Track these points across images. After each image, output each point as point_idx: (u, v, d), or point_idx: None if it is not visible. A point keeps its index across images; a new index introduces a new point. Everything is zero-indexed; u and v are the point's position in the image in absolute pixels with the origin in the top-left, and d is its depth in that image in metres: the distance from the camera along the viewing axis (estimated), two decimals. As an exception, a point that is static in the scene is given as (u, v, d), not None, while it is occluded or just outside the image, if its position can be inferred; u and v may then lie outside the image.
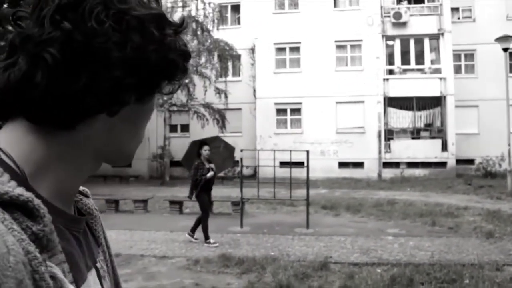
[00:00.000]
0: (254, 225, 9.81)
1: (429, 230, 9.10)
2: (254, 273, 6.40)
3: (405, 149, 19.87)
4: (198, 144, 8.50)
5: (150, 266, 6.88)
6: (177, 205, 11.59)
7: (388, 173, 19.75)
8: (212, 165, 8.27)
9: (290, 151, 9.98)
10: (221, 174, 16.76)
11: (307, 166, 9.48)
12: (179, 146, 23.29)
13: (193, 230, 8.41)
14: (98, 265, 0.73)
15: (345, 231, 9.07)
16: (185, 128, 23.71)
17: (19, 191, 0.54)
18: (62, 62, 0.56)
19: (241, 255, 7.18)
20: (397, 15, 19.74)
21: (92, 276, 0.69)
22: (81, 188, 0.79)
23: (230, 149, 9.77)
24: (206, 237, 8.12)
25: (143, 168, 23.22)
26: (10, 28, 0.60)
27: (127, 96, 0.61)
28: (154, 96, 0.68)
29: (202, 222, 8.26)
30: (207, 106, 20.49)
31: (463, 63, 21.55)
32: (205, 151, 8.17)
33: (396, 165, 19.92)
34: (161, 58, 0.62)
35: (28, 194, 0.55)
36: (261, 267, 6.54)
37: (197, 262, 6.92)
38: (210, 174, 8.13)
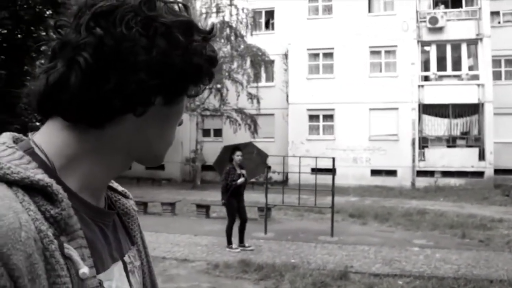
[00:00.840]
0: (278, 232, 9.78)
1: (458, 242, 8.80)
2: (272, 280, 6.38)
3: (440, 158, 19.29)
4: (230, 149, 8.41)
5: (171, 268, 6.97)
6: (203, 209, 11.71)
7: (422, 182, 19.22)
8: (243, 171, 8.14)
9: (316, 157, 9.96)
10: (252, 180, 16.71)
11: (333, 173, 9.39)
12: (211, 150, 23.51)
13: (241, 240, 8.22)
14: (126, 259, 0.76)
15: (370, 240, 8.90)
16: (218, 132, 23.93)
17: (40, 176, 0.59)
18: (93, 65, 0.61)
19: (261, 261, 7.17)
20: (433, 20, 19.24)
21: (117, 267, 0.72)
22: (120, 188, 0.85)
23: (263, 155, 9.67)
24: (229, 242, 8.11)
25: (175, 172, 23.62)
26: (54, 36, 0.66)
27: (152, 98, 0.65)
28: (181, 99, 0.71)
29: (226, 226, 8.24)
30: (239, 111, 20.63)
31: (503, 69, 20.72)
32: (237, 156, 8.06)
33: (430, 174, 19.35)
34: (186, 63, 0.65)
35: (48, 180, 0.59)
36: (279, 274, 6.51)
37: (217, 266, 6.97)
38: (241, 180, 8.01)
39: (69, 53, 0.63)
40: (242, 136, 20.60)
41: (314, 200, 15.09)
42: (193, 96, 0.73)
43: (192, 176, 21.85)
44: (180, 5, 0.70)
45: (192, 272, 6.83)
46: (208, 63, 0.69)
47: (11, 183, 0.57)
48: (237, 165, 8.06)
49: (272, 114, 23.06)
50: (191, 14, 0.71)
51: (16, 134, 0.69)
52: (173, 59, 0.64)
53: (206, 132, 23.98)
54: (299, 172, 9.81)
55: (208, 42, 0.70)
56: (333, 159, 9.37)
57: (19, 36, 12.28)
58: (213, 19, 20.69)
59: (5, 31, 11.71)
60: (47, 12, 13.40)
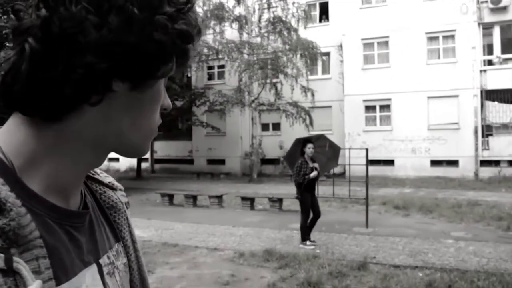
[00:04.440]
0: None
1: (500, 235, 8.40)
2: (291, 268, 6.60)
3: (507, 146, 18.12)
4: (302, 142, 8.08)
5: (200, 256, 7.43)
6: (248, 201, 12.11)
7: (486, 172, 18.20)
8: (316, 165, 7.87)
9: (350, 149, 9.93)
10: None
11: (367, 164, 9.32)
12: (270, 144, 23.96)
13: (308, 237, 8.03)
14: (103, 260, 0.70)
15: (405, 232, 8.78)
16: (276, 126, 24.24)
17: None
18: (40, 50, 0.55)
19: (285, 251, 7.40)
20: (496, -1, 18.07)
21: (90, 272, 0.66)
22: (107, 180, 0.79)
23: (335, 148, 9.23)
24: (303, 238, 7.92)
25: (235, 166, 24.30)
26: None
27: (105, 83, 0.57)
28: (153, 82, 0.62)
29: (301, 223, 8.00)
30: (294, 104, 20.78)
31: None
32: (309, 149, 7.77)
33: (495, 163, 18.26)
34: (144, 40, 0.57)
35: None
36: (298, 264, 6.72)
37: (242, 255, 7.30)
38: (314, 174, 7.73)
39: (20, 39, 0.56)
40: (299, 129, 20.78)
41: (365, 192, 15.00)
42: (164, 76, 0.62)
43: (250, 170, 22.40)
44: None
45: (218, 260, 7.22)
46: (178, 38, 0.59)
47: None
48: (308, 158, 7.81)
49: (330, 106, 22.93)
50: None
51: None
52: (126, 37, 0.56)
53: (265, 127, 24.42)
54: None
55: (183, 14, 0.61)
56: (366, 150, 9.31)
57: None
58: (266, 15, 21.06)
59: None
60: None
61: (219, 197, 12.59)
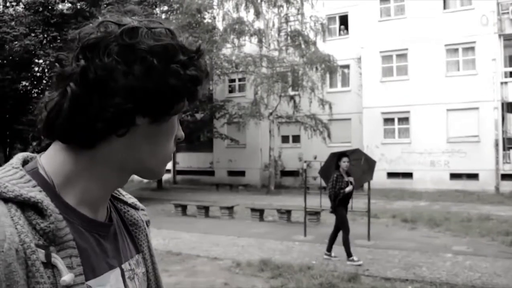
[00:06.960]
0: (319, 235, 10.02)
1: (501, 250, 8.31)
2: (283, 278, 6.75)
3: (528, 160, 17.73)
4: (337, 156, 8.09)
5: (199, 265, 7.67)
6: (257, 212, 12.31)
7: (507, 186, 17.78)
8: (351, 178, 7.86)
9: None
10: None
11: (370, 177, 9.39)
12: (290, 156, 24.13)
13: (329, 249, 7.98)
14: (123, 266, 0.81)
15: (406, 245, 8.80)
16: (296, 138, 24.39)
17: (33, 194, 0.66)
18: (79, 93, 0.68)
19: (281, 261, 7.57)
20: (517, 11, 17.80)
21: (114, 274, 0.78)
22: (131, 201, 0.93)
23: (370, 162, 9.21)
24: (349, 254, 7.63)
25: (255, 177, 24.56)
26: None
27: (130, 119, 0.71)
28: (168, 118, 0.75)
29: (343, 238, 7.78)
30: (312, 117, 20.92)
31: None
32: (344, 162, 7.78)
33: (517, 177, 17.87)
34: (161, 85, 0.70)
35: (40, 197, 0.66)
36: (290, 274, 6.88)
37: (239, 264, 7.52)
38: (349, 188, 7.73)
39: (61, 84, 0.71)
40: (318, 141, 20.94)
41: (382, 204, 15.06)
42: (177, 113, 0.76)
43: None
44: (165, 29, 0.73)
45: (215, 269, 7.44)
46: (189, 82, 0.72)
47: (7, 200, 0.64)
48: (344, 172, 7.83)
49: (349, 119, 22.94)
50: (176, 37, 0.73)
51: (30, 154, 0.78)
52: (147, 83, 0.69)
53: (285, 139, 24.64)
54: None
55: (195, 60, 0.74)
56: (374, 162, 9.38)
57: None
58: (284, 30, 21.39)
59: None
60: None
61: (230, 208, 12.85)
